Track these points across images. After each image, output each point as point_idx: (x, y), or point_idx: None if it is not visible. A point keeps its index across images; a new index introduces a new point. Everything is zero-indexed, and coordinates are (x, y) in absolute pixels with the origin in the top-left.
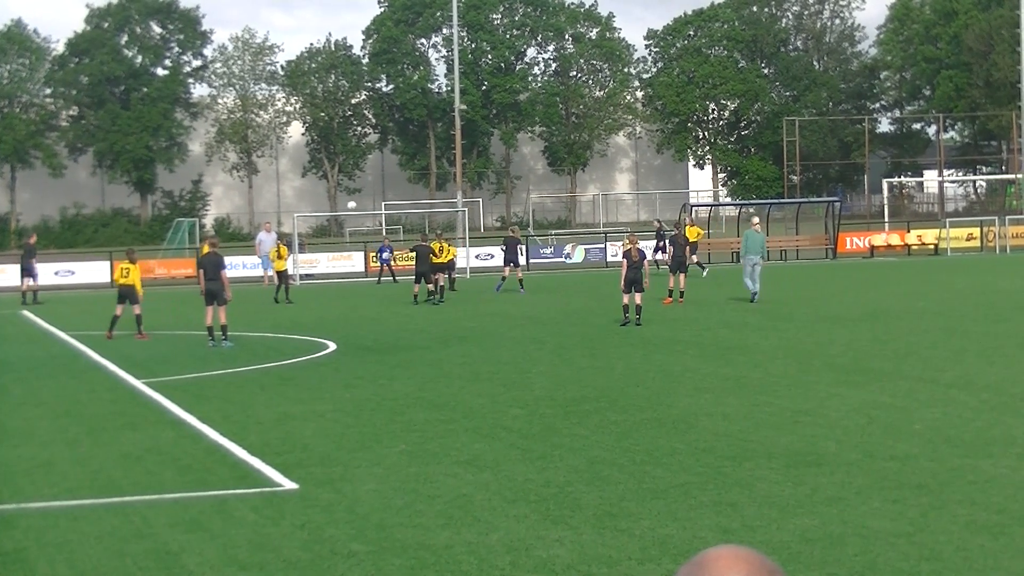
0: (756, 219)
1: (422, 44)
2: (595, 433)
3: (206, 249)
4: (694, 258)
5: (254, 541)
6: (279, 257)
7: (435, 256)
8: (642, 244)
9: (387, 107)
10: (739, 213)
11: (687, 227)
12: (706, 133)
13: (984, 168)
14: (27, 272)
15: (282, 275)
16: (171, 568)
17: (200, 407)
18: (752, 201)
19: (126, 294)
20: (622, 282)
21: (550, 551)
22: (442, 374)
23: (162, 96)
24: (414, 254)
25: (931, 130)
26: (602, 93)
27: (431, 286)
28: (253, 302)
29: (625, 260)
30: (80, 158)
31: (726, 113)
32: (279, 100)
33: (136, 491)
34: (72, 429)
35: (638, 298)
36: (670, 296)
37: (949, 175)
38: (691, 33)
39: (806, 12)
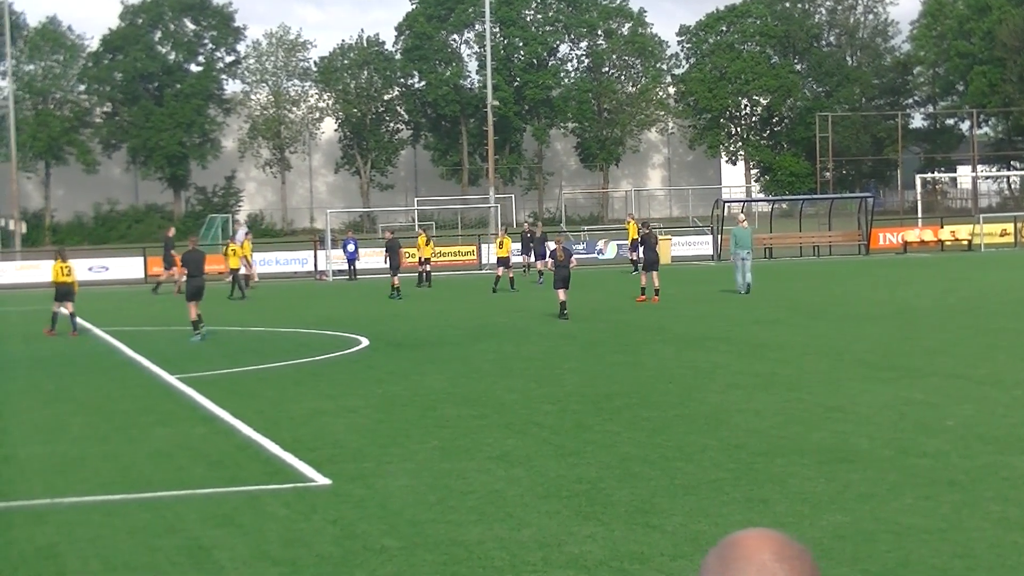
0: (742, 216)
1: (454, 40)
2: (626, 429)
3: (232, 249)
4: (634, 255)
5: (286, 537)
6: (231, 254)
7: (419, 250)
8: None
9: (419, 103)
10: (772, 209)
11: (629, 224)
12: (738, 129)
13: (1018, 164)
14: (167, 263)
15: (235, 272)
16: (203, 563)
17: (232, 403)
18: (785, 197)
19: (67, 292)
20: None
21: (582, 547)
22: (473, 370)
23: (195, 92)
24: (385, 250)
25: (964, 126)
26: (634, 89)
27: (396, 280)
28: (284, 298)
29: (551, 259)
30: (114, 154)
31: (759, 109)
32: (312, 96)
33: (168, 487)
34: (104, 425)
35: (562, 294)
36: (643, 294)
37: (983, 171)
38: (723, 29)
39: (839, 7)
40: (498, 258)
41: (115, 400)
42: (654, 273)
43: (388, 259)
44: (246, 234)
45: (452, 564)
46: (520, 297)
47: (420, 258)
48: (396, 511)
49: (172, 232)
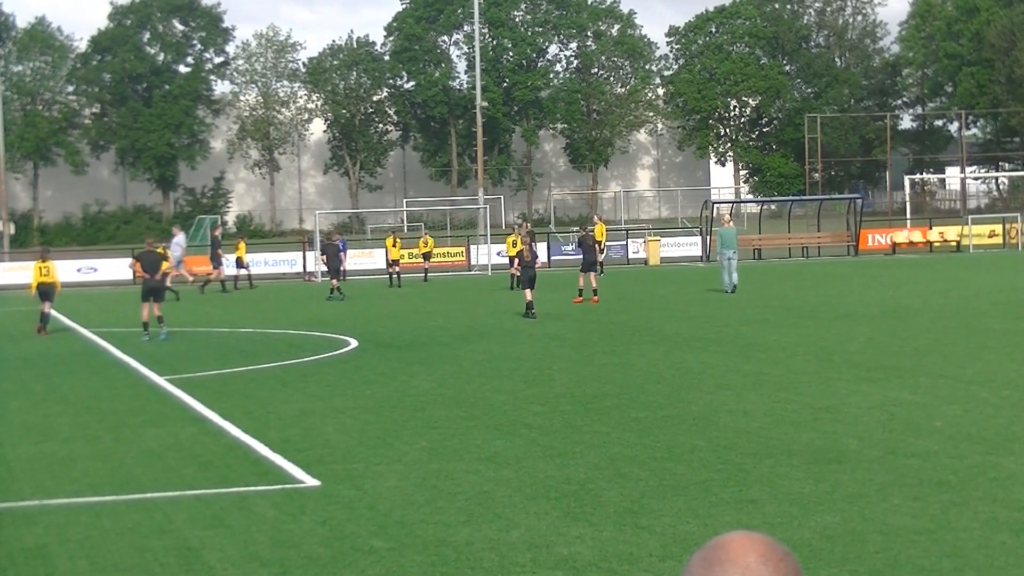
0: (727, 215)
1: (444, 41)
2: (616, 430)
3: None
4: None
5: (275, 538)
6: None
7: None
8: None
9: (408, 104)
10: (760, 210)
11: (595, 226)
12: (727, 130)
13: (1006, 165)
14: (215, 262)
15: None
16: (192, 564)
17: (221, 403)
18: (773, 198)
19: (47, 292)
20: (513, 282)
21: (571, 548)
22: (462, 371)
23: (184, 93)
24: (324, 255)
25: (953, 127)
26: (623, 90)
27: (335, 282)
28: (273, 299)
29: (518, 259)
30: (102, 156)
31: (747, 110)
32: (301, 97)
33: (157, 487)
34: (93, 425)
35: (529, 294)
36: (580, 295)
37: (971, 172)
38: (712, 30)
39: (828, 8)
40: (510, 257)
41: (104, 400)
42: (592, 274)
43: (326, 262)
44: (219, 236)
45: (441, 565)
46: (510, 298)
47: (389, 260)
48: (385, 512)
49: (219, 231)
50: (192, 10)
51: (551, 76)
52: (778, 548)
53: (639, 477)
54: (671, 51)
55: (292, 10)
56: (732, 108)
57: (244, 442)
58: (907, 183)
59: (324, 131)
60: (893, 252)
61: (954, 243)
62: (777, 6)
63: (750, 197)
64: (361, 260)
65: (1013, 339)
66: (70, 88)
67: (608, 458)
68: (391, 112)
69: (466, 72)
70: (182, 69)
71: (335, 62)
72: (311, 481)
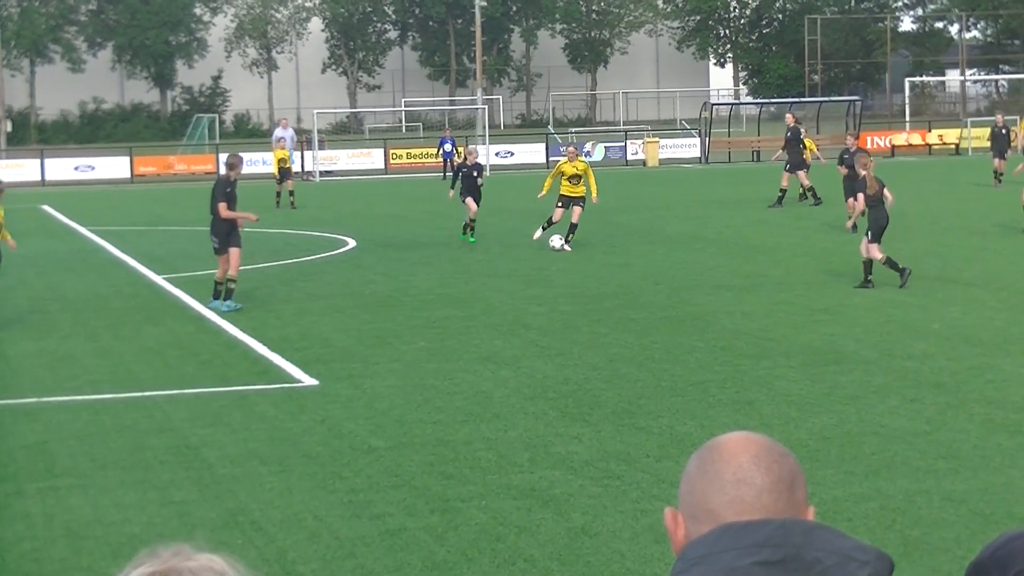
0: None
1: None
2: (614, 331)
3: None
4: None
5: (274, 436)
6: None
7: None
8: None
9: (407, 3)
10: (760, 112)
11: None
12: (727, 31)
13: (1006, 67)
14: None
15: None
16: (191, 462)
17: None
18: (773, 100)
19: None
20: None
21: (568, 448)
22: (461, 270)
23: None
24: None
25: (954, 29)
26: None
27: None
28: (272, 199)
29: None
30: (99, 53)
31: (747, 11)
32: None
33: (157, 385)
34: (93, 323)
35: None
36: None
37: (971, 74)
38: None
39: None
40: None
41: (104, 299)
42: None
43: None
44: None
45: (439, 464)
46: (511, 198)
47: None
48: (383, 411)
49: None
50: None
51: None
52: (774, 448)
53: (637, 378)
54: None
55: None
56: (732, 9)
57: (243, 341)
58: (907, 85)
59: (322, 30)
60: (892, 155)
61: (953, 146)
62: None
63: (749, 99)
64: (359, 160)
65: (1011, 242)
66: None
67: (606, 359)
68: (389, 11)
69: None
70: None
71: None
72: (309, 380)
